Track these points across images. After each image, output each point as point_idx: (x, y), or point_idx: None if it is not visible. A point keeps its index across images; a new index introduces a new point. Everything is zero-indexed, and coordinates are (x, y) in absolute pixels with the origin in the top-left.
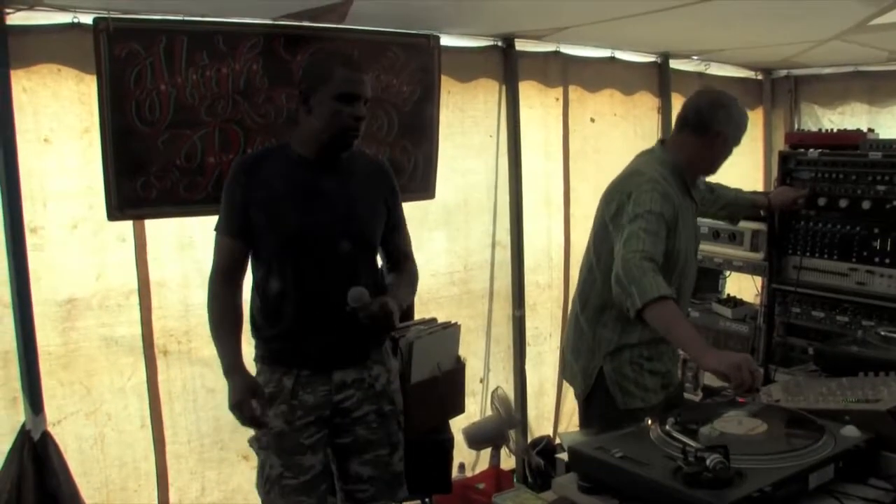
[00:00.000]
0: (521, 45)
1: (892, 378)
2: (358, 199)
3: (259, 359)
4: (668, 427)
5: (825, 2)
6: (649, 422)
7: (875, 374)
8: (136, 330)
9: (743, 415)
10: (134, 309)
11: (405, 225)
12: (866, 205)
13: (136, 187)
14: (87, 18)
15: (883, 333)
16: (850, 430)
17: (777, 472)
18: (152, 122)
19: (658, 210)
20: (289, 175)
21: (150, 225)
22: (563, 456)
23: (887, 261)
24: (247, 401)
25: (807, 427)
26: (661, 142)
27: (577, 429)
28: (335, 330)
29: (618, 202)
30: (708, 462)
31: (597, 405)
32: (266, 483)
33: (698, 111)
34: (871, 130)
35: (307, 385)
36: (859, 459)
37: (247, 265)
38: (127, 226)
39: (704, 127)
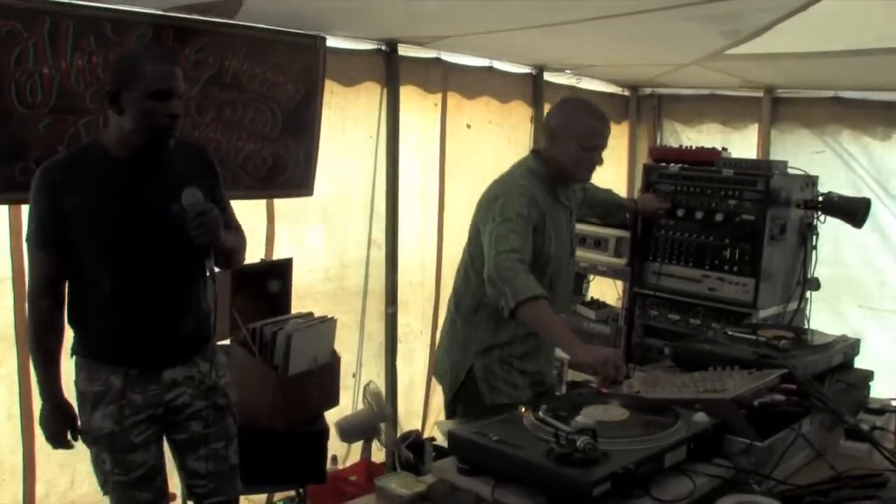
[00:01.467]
0: (403, 51)
1: (736, 372)
2: (178, 193)
3: (80, 353)
4: (540, 414)
5: (687, 29)
6: (522, 410)
7: (723, 369)
8: (8, 317)
9: (607, 404)
10: (6, 296)
11: (228, 202)
12: (719, 217)
13: (15, 172)
14: None
15: (730, 333)
16: (701, 417)
17: (638, 452)
18: (33, 105)
19: (525, 213)
20: (104, 178)
21: (26, 211)
22: (440, 442)
23: (735, 269)
24: (64, 431)
25: (663, 414)
26: (534, 152)
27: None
28: (162, 330)
29: (486, 207)
30: (578, 443)
31: (464, 401)
32: (101, 476)
33: (548, 118)
34: (724, 149)
35: (136, 385)
36: (707, 441)
37: (65, 275)
38: (2, 211)
39: (551, 132)
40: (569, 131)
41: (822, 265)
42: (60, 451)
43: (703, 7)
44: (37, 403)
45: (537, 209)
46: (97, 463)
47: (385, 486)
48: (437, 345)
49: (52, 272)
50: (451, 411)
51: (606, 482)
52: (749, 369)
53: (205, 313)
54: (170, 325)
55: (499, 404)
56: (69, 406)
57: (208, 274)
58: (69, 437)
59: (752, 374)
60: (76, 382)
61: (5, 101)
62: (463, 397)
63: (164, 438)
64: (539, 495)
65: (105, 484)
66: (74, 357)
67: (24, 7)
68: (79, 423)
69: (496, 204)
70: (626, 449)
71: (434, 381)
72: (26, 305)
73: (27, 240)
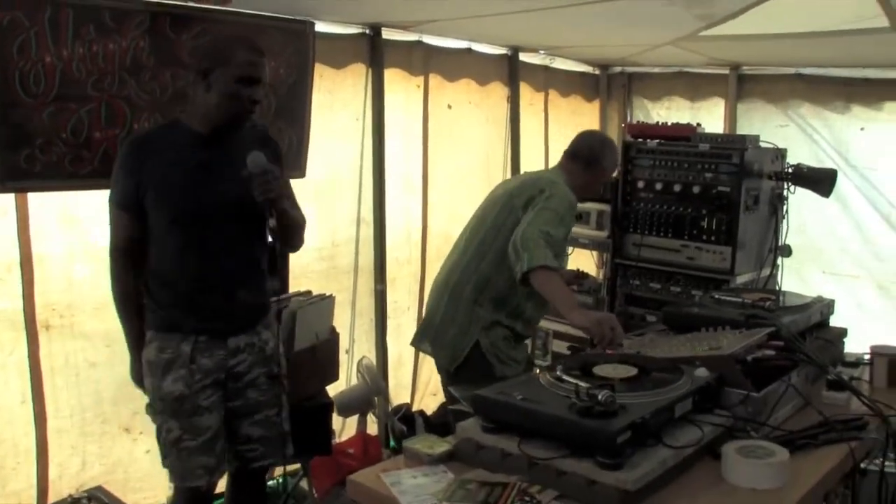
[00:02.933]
0: (387, 34)
1: (728, 332)
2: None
3: (153, 326)
4: (557, 373)
5: (665, 13)
6: (537, 371)
7: (714, 329)
8: (18, 304)
9: (615, 363)
10: (15, 283)
11: (290, 185)
12: (696, 189)
13: (20, 160)
14: None
15: (716, 297)
16: (702, 371)
17: (651, 404)
18: (37, 94)
19: (565, 215)
20: (181, 151)
21: (33, 198)
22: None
23: (713, 238)
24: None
25: (669, 370)
26: (560, 168)
27: (434, 397)
28: (228, 299)
29: (531, 193)
30: (599, 397)
31: (469, 373)
32: (165, 446)
33: (591, 149)
34: (699, 125)
35: (205, 350)
36: (709, 394)
37: (143, 238)
38: (9, 199)
39: (594, 162)
40: (611, 168)
41: (789, 234)
42: (70, 435)
43: None
44: (48, 387)
45: (572, 217)
46: (161, 434)
47: (412, 447)
48: (429, 317)
49: (129, 231)
50: (453, 383)
51: (627, 431)
52: (739, 329)
53: (266, 284)
54: (233, 294)
55: (505, 376)
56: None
57: (270, 237)
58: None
59: (743, 333)
60: (145, 354)
61: (10, 90)
62: (468, 370)
63: None
64: (562, 448)
65: (168, 455)
66: (148, 332)
67: None
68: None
69: (542, 196)
70: (640, 402)
71: (422, 354)
72: (108, 270)
73: (109, 200)
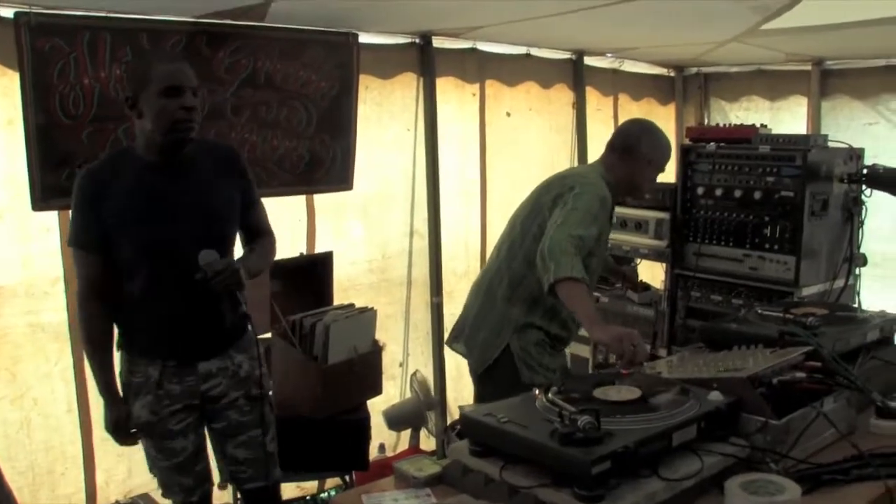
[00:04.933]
0: (438, 43)
1: (759, 350)
2: (209, 194)
3: (124, 348)
4: (549, 395)
5: (720, 8)
6: (536, 391)
7: (747, 347)
8: (63, 316)
9: (623, 385)
10: (60, 296)
11: (260, 202)
12: (758, 195)
13: (61, 179)
14: (7, 13)
15: (760, 311)
16: (715, 395)
17: (642, 431)
18: (76, 115)
19: (595, 212)
20: (135, 182)
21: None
22: None
23: (776, 247)
24: (124, 426)
25: (674, 392)
26: (602, 162)
27: None
28: (196, 325)
29: (558, 191)
30: (579, 423)
31: (497, 378)
32: (148, 461)
33: (627, 135)
34: (763, 126)
35: (173, 376)
36: (721, 420)
37: (110, 275)
38: (52, 216)
39: (632, 150)
40: (656, 159)
41: (881, 241)
42: (115, 443)
43: None
44: (93, 396)
45: (605, 211)
46: (145, 448)
47: (401, 468)
48: (463, 317)
49: (95, 272)
50: (482, 388)
51: (606, 461)
52: (773, 347)
53: (238, 310)
54: (202, 321)
55: (535, 384)
56: (125, 403)
57: (242, 307)
58: (130, 430)
59: (775, 353)
60: (120, 375)
61: (50, 113)
62: (496, 373)
63: (206, 427)
64: (545, 475)
65: (152, 468)
66: (120, 352)
67: (66, 24)
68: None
69: (570, 193)
70: (632, 428)
71: None
72: (77, 309)
73: (69, 243)
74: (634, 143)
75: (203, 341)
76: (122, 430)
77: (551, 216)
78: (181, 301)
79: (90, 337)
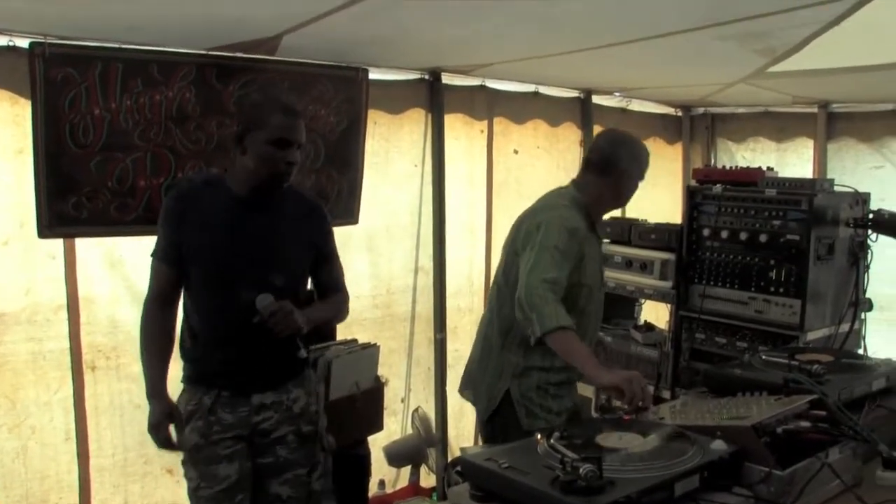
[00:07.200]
0: (447, 79)
1: (763, 398)
2: (284, 239)
3: (185, 379)
4: (552, 441)
5: (725, 51)
6: (538, 436)
7: (752, 394)
8: (65, 344)
9: (625, 431)
10: (63, 324)
11: (337, 258)
12: (763, 238)
13: (68, 207)
14: (23, 42)
15: (764, 357)
16: (718, 444)
17: (645, 480)
18: (85, 144)
19: (563, 247)
20: (220, 211)
21: (80, 243)
22: None
23: (781, 290)
24: (164, 424)
25: (678, 441)
26: (574, 182)
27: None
28: (255, 357)
29: (526, 230)
30: (581, 471)
31: (500, 423)
32: (189, 496)
33: (601, 151)
34: (770, 168)
35: (227, 405)
36: (723, 470)
37: (179, 288)
38: (57, 244)
39: (608, 166)
40: (637, 169)
41: (886, 284)
42: (112, 474)
43: (732, 27)
44: (92, 426)
45: (577, 242)
46: (188, 481)
47: None
48: (469, 364)
49: (166, 283)
50: (487, 434)
51: None
52: (777, 395)
53: (296, 353)
54: (260, 356)
55: (536, 429)
56: (173, 404)
57: (301, 352)
58: (171, 434)
59: (780, 400)
60: (178, 402)
61: (60, 141)
62: (498, 420)
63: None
64: None
65: (191, 498)
66: (182, 384)
67: (79, 54)
68: (182, 417)
69: (538, 233)
70: (635, 477)
71: None
72: (141, 314)
73: (152, 254)
74: (613, 159)
75: (258, 377)
76: (160, 431)
77: (522, 259)
78: (239, 334)
79: (147, 331)
